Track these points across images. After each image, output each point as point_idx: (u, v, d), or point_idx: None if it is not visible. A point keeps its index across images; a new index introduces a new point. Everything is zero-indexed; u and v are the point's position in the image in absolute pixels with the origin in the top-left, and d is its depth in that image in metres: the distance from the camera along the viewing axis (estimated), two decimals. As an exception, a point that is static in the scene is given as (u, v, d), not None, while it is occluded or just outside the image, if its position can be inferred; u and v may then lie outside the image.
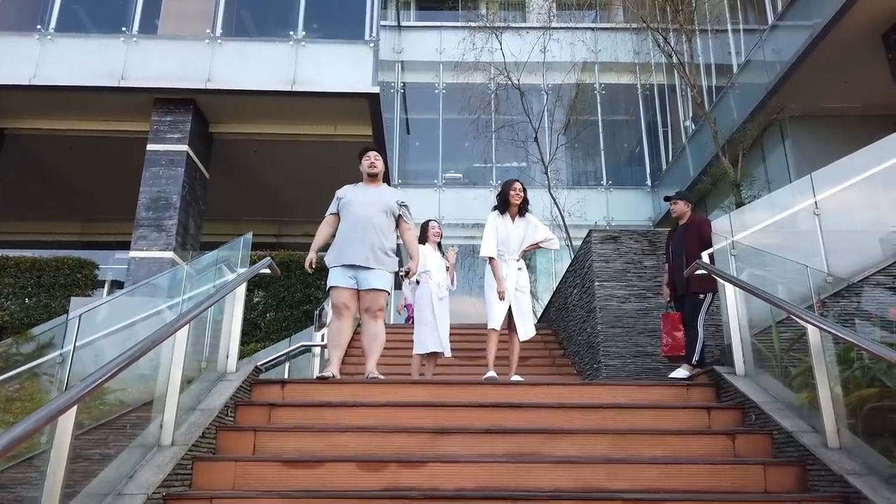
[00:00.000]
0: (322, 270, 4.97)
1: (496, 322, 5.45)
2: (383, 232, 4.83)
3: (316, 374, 4.85)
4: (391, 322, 12.96)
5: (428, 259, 6.29)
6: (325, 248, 4.99)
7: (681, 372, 5.50)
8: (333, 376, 4.57)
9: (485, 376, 5.31)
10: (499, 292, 5.40)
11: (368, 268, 4.71)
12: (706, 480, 3.38)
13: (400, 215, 4.97)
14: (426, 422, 4.04)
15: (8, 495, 4.24)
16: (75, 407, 2.32)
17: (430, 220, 6.66)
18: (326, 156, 13.07)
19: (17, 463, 4.17)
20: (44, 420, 2.10)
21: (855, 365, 3.69)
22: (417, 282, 6.28)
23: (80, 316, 3.63)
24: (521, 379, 5.18)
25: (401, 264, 5.16)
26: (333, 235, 4.96)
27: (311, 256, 4.86)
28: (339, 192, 5.03)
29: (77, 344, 4.21)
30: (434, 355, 6.16)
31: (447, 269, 6.46)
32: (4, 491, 4.15)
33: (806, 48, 10.44)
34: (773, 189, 11.02)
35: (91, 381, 2.40)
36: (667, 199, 6.20)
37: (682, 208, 5.97)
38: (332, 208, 5.02)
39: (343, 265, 4.73)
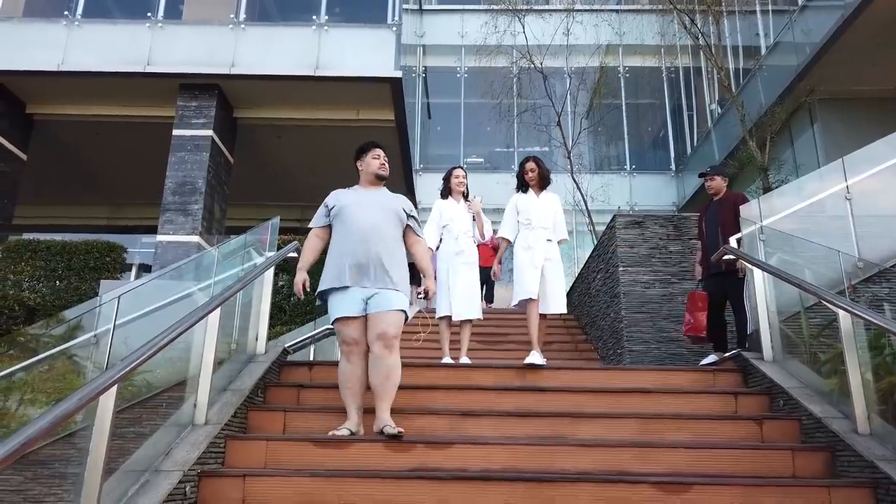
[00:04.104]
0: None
1: (530, 290, 5.05)
2: (395, 242, 3.92)
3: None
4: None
5: (449, 212, 5.65)
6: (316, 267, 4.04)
7: (711, 358, 5.48)
8: (352, 433, 3.59)
9: (526, 360, 4.82)
10: (494, 271, 5.38)
11: (382, 287, 3.75)
12: (733, 465, 3.38)
13: (408, 225, 4.04)
14: (451, 404, 4.09)
15: (46, 471, 4.38)
16: (116, 385, 2.39)
17: (454, 168, 5.85)
18: (349, 141, 12.99)
19: (55, 440, 4.30)
20: (88, 398, 2.17)
21: (886, 351, 3.66)
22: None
23: (119, 297, 3.71)
24: (544, 362, 4.91)
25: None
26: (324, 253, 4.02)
27: (301, 278, 3.96)
28: (328, 200, 4.04)
29: (107, 325, 4.31)
30: (464, 321, 5.51)
31: (473, 218, 5.69)
32: (44, 467, 4.28)
33: (837, 29, 10.20)
34: (802, 174, 10.83)
35: (131, 361, 2.47)
36: (702, 175, 6.02)
37: (719, 184, 5.86)
38: (319, 220, 4.03)
39: (346, 287, 3.74)
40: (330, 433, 3.54)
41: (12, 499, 4.31)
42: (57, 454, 4.34)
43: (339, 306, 3.74)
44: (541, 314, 5.18)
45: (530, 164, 5.39)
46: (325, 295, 3.86)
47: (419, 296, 4.06)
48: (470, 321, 5.54)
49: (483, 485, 3.13)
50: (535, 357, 4.85)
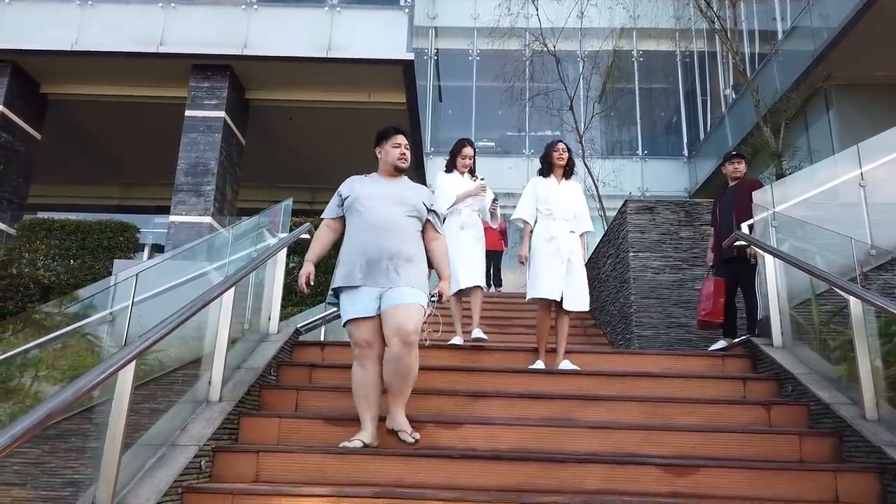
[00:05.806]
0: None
1: (550, 290, 4.67)
2: (412, 238, 3.57)
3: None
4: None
5: (454, 186, 5.34)
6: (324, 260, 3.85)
7: (720, 344, 5.50)
8: (366, 445, 3.29)
9: (531, 366, 4.59)
10: (520, 255, 4.94)
11: (395, 285, 3.41)
12: (740, 449, 3.41)
13: (428, 220, 3.68)
14: (461, 385, 4.13)
15: (64, 445, 4.47)
16: (135, 361, 2.44)
17: (463, 146, 5.48)
18: (360, 123, 13.09)
19: (72, 415, 4.39)
20: (108, 372, 2.22)
21: (896, 339, 3.67)
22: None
23: (136, 275, 3.77)
24: (577, 367, 4.52)
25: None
26: (334, 245, 3.73)
27: (307, 271, 3.61)
28: (342, 189, 3.68)
29: (124, 303, 4.38)
30: (474, 289, 5.23)
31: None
32: (62, 441, 4.38)
33: (856, 14, 10.06)
34: (816, 160, 10.74)
35: (149, 337, 2.52)
36: (736, 155, 5.89)
37: (744, 168, 5.86)
38: (332, 210, 3.70)
39: (358, 286, 3.42)
40: (341, 445, 3.26)
41: (31, 471, 4.42)
42: (74, 429, 4.44)
43: (351, 307, 3.42)
44: (566, 311, 4.77)
45: (563, 146, 5.03)
46: (338, 292, 3.55)
47: (432, 298, 3.66)
48: (480, 288, 5.27)
49: (492, 464, 3.17)
50: (541, 364, 4.64)
